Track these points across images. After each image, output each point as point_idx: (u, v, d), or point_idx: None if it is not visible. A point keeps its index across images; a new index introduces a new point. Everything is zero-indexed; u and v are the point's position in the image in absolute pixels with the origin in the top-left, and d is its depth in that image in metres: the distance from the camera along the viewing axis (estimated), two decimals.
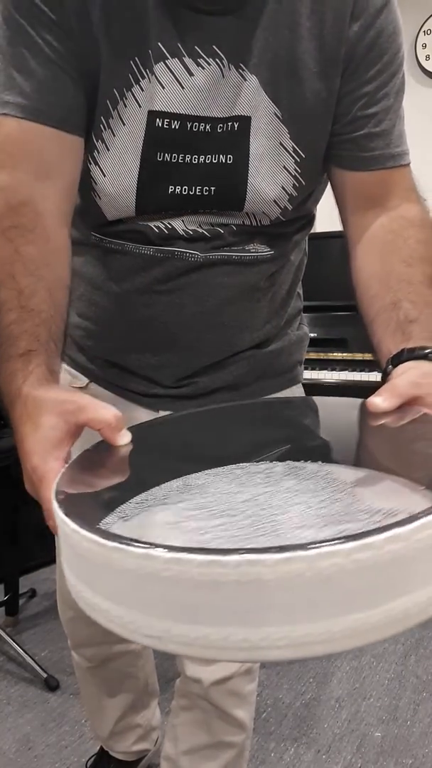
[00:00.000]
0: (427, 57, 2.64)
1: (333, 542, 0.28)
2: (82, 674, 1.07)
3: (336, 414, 0.57)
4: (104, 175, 0.67)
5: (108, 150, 0.66)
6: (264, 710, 1.54)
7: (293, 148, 0.67)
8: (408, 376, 0.52)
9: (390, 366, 0.57)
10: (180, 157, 0.66)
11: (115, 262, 0.75)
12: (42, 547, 2.03)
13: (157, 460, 0.49)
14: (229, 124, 0.65)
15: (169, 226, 0.71)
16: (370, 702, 1.57)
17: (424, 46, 2.64)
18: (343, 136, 0.69)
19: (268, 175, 0.68)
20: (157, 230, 0.71)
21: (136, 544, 0.29)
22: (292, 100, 0.65)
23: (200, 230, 0.71)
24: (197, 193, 0.68)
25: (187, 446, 0.52)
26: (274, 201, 0.69)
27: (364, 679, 1.66)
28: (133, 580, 0.30)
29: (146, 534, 0.36)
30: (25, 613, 1.99)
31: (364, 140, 0.68)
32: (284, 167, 0.68)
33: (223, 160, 0.67)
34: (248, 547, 0.28)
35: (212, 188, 0.68)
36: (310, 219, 0.81)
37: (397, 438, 0.48)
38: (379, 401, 0.49)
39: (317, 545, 0.28)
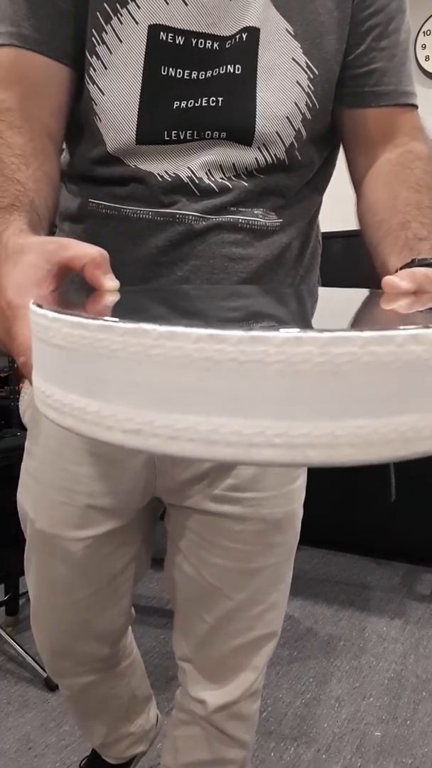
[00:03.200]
0: (427, 57, 2.64)
1: (349, 330, 0.25)
2: (65, 698, 1.03)
3: (338, 300, 0.52)
4: (103, 94, 0.65)
5: (105, 68, 0.64)
6: (264, 709, 1.54)
7: (306, 63, 0.66)
8: (426, 270, 0.49)
9: None
10: (186, 73, 0.64)
11: (112, 231, 0.70)
12: None
13: (143, 310, 0.45)
14: (237, 36, 0.64)
15: (173, 174, 0.66)
16: (370, 701, 1.57)
17: (424, 46, 2.64)
18: (358, 70, 0.68)
19: (280, 89, 0.65)
20: (160, 178, 0.66)
21: (125, 320, 0.26)
22: (304, 16, 0.65)
23: (207, 181, 0.66)
24: (203, 104, 0.64)
25: (175, 308, 0.48)
26: (287, 118, 0.66)
27: (363, 679, 1.66)
28: (116, 364, 0.27)
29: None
30: (25, 613, 1.99)
31: (378, 75, 0.68)
32: (297, 82, 0.66)
33: (231, 70, 0.64)
34: (250, 325, 0.25)
35: (219, 99, 0.64)
36: (318, 182, 0.76)
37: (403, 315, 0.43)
38: (396, 279, 0.46)
39: (331, 330, 0.24)
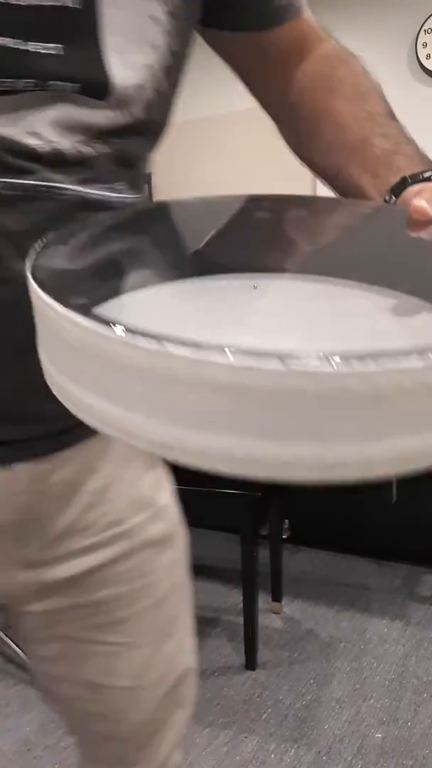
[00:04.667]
0: (428, 56, 2.64)
1: (397, 358, 0.23)
2: None
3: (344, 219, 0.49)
4: None
5: None
6: (264, 711, 1.54)
7: None
8: None
9: (392, 197, 0.49)
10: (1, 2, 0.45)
11: None
12: None
13: (152, 258, 0.41)
14: None
15: (10, 138, 0.47)
16: (371, 703, 1.57)
17: (425, 45, 2.63)
18: None
19: (132, 28, 0.50)
20: None
21: (151, 338, 0.24)
22: None
23: (59, 147, 0.48)
24: (40, 51, 0.46)
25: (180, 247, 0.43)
26: (146, 67, 0.51)
27: (364, 680, 1.65)
28: (141, 380, 0.25)
29: (152, 320, 0.29)
30: None
31: None
32: (153, 17, 0.50)
33: (68, 3, 0.46)
34: (287, 351, 0.23)
35: (60, 45, 0.47)
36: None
37: None
38: (425, 206, 0.41)
39: (376, 357, 0.23)
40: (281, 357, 0.23)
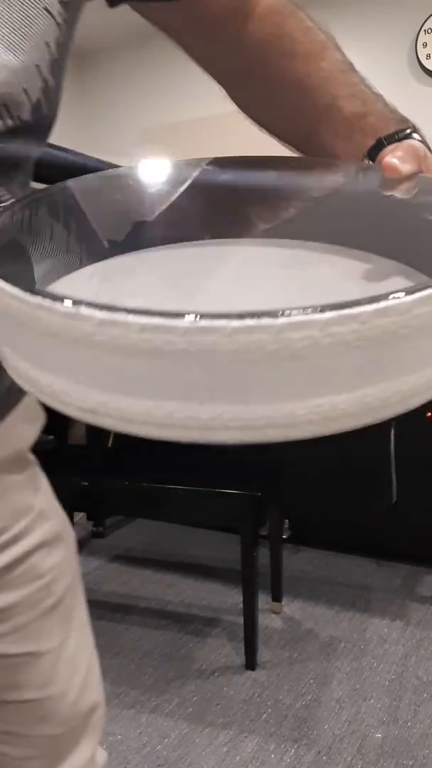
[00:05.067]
0: (428, 56, 2.64)
1: (307, 312, 0.23)
2: None
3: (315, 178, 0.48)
4: None
5: None
6: (264, 711, 1.54)
7: None
8: (418, 144, 0.43)
9: (369, 161, 0.48)
10: None
11: None
12: None
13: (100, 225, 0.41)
14: None
15: None
16: (371, 703, 1.57)
17: (425, 45, 2.64)
18: None
19: (21, 23, 0.43)
20: None
21: (64, 301, 0.25)
22: None
23: None
24: None
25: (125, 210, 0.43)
26: (36, 67, 0.45)
27: (364, 680, 1.65)
28: (60, 344, 0.25)
29: (76, 290, 0.29)
30: None
31: None
32: (46, 9, 0.45)
33: None
34: (201, 311, 0.23)
35: None
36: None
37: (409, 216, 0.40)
38: (397, 163, 0.40)
39: (287, 314, 0.23)
40: (193, 315, 0.23)
